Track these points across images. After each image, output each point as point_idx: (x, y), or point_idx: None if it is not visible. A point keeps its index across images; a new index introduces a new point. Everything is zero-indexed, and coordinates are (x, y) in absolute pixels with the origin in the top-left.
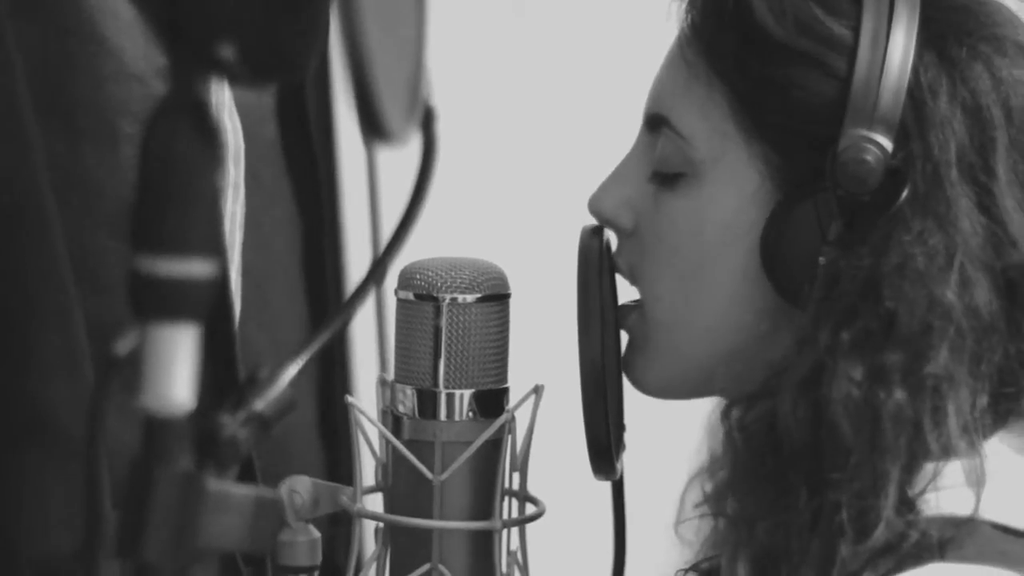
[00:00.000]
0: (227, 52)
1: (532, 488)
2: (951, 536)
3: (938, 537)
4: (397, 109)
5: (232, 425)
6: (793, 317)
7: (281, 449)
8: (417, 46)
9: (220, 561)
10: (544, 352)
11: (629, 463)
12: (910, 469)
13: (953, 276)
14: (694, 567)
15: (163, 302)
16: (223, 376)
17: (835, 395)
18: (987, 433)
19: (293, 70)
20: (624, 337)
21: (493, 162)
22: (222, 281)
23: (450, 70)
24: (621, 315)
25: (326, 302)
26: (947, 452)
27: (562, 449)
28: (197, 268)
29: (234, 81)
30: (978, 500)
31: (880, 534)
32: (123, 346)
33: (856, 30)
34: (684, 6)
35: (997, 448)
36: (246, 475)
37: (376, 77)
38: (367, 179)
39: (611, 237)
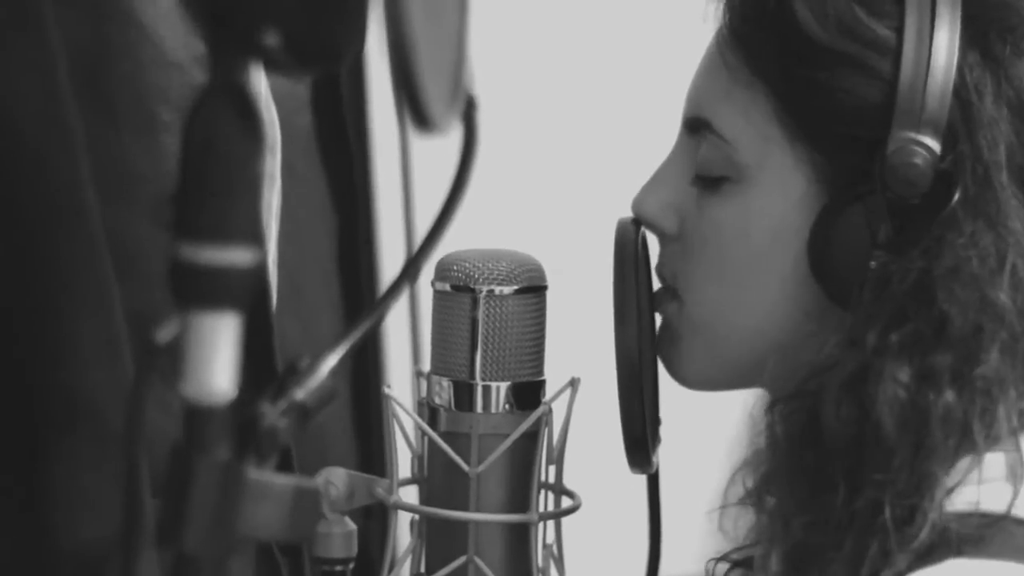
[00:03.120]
0: (271, 39)
1: (568, 481)
2: (973, 532)
3: (960, 533)
4: (440, 98)
5: (272, 415)
6: (839, 319)
7: (316, 441)
8: (460, 35)
9: (257, 552)
10: (581, 345)
11: (664, 456)
12: (957, 470)
13: (1005, 278)
14: (724, 557)
15: (204, 290)
16: (260, 366)
17: (881, 396)
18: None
19: (336, 58)
20: (658, 321)
21: (531, 153)
22: (261, 270)
23: (493, 60)
24: (657, 301)
25: (360, 293)
26: (992, 443)
27: (598, 442)
28: (239, 256)
29: (276, 68)
30: (1014, 496)
31: (926, 535)
32: (163, 335)
33: (899, 31)
34: (722, 7)
35: None
36: (284, 466)
37: (420, 66)
38: (401, 169)
39: (648, 235)
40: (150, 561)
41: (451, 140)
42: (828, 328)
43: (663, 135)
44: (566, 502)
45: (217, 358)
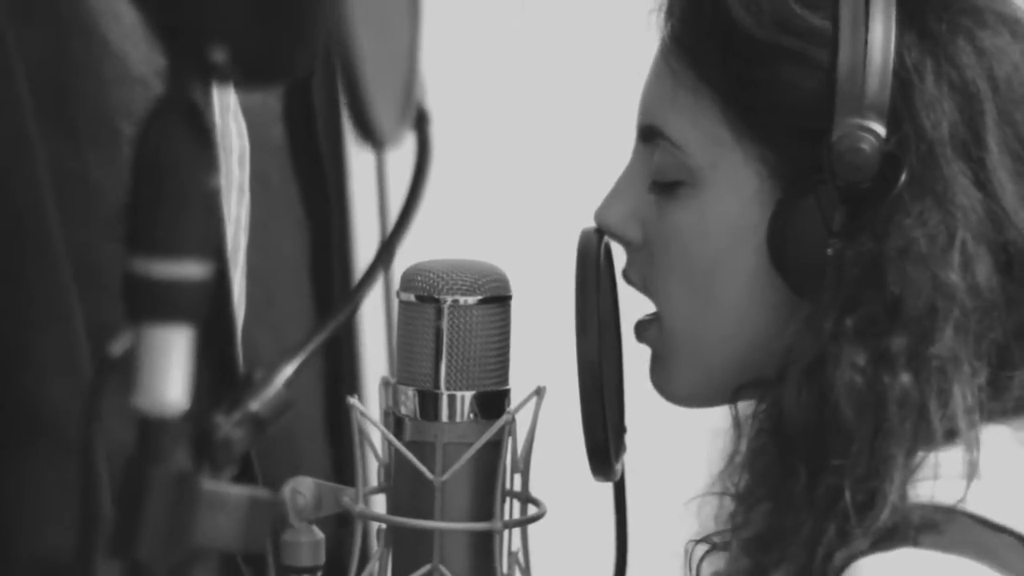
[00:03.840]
0: (219, 55)
1: (534, 489)
2: (929, 523)
3: (916, 523)
4: (389, 112)
5: (227, 426)
6: (805, 309)
7: (288, 450)
8: (411, 50)
9: (220, 561)
10: (548, 354)
11: (634, 464)
12: (912, 453)
13: (955, 255)
14: (705, 539)
15: (157, 303)
16: (224, 377)
17: (839, 381)
18: (987, 415)
19: (285, 73)
20: (647, 351)
21: (499, 165)
22: (221, 282)
23: (454, 70)
24: (640, 330)
25: (333, 304)
26: (951, 435)
27: (565, 451)
28: (191, 270)
29: (227, 84)
30: (966, 491)
31: (887, 517)
32: (118, 347)
33: (835, 19)
34: (663, 15)
35: (998, 437)
36: (246, 476)
37: (366, 81)
38: (376, 181)
39: (614, 246)
40: (106, 571)
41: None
42: (797, 321)
43: (630, 143)
44: (532, 510)
45: (170, 370)
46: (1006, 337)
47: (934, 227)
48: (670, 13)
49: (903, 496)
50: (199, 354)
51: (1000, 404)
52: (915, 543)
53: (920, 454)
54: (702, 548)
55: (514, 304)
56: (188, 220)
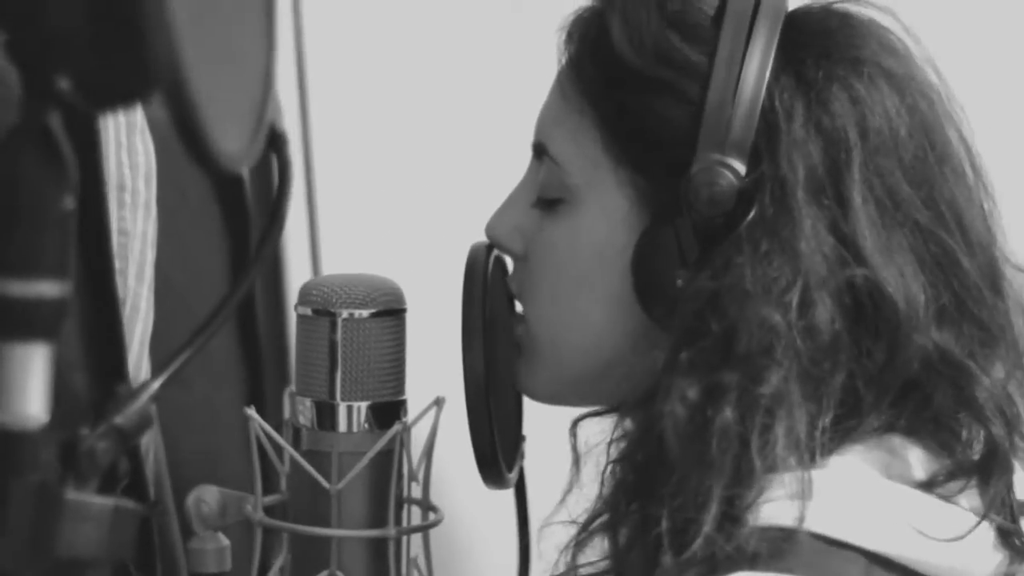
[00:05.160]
0: (63, 82)
1: (441, 497)
2: (766, 546)
3: (753, 548)
4: (236, 134)
5: (91, 438)
6: (663, 338)
7: (210, 461)
8: (265, 73)
9: (112, 570)
10: (450, 365)
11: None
12: (737, 484)
13: (793, 297)
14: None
15: (14, 321)
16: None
17: (666, 411)
18: (828, 451)
19: (127, 97)
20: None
21: (398, 180)
22: (110, 296)
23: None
24: (514, 323)
25: (254, 313)
26: (773, 469)
27: (470, 459)
28: (46, 288)
29: (74, 109)
30: (803, 511)
31: (699, 548)
32: None
33: (712, 55)
34: (565, 37)
35: (846, 461)
36: (136, 487)
37: (201, 105)
38: (305, 188)
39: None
40: None
41: (361, 159)
42: (656, 349)
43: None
44: (432, 517)
45: (29, 385)
46: (854, 380)
47: (775, 268)
48: (569, 37)
49: (736, 523)
50: (86, 368)
51: (851, 439)
52: (752, 565)
53: (754, 481)
54: None
55: (420, 316)
56: (43, 241)
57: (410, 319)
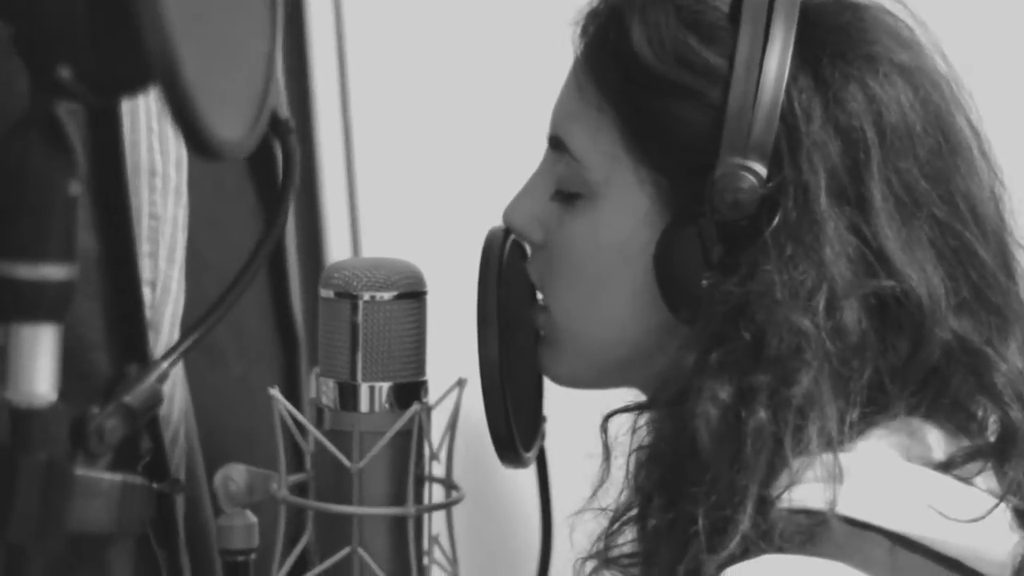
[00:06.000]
0: (64, 73)
1: (465, 476)
2: (798, 530)
3: (784, 531)
4: (235, 122)
5: (99, 417)
6: (684, 333)
7: (246, 440)
8: (266, 60)
9: (135, 544)
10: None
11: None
12: (771, 482)
13: (819, 301)
14: (595, 555)
15: (21, 303)
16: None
17: (698, 412)
18: (852, 436)
19: (129, 87)
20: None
21: (423, 164)
22: (131, 276)
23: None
24: (534, 313)
25: (288, 294)
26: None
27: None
28: (52, 271)
29: (77, 99)
30: (835, 495)
31: (736, 545)
32: None
33: (731, 58)
34: (579, 31)
35: (869, 445)
36: (157, 465)
37: (195, 94)
38: (345, 171)
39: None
40: None
41: (398, 143)
42: (677, 342)
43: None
44: (455, 495)
45: (38, 365)
46: (880, 375)
47: (801, 272)
48: (584, 31)
49: (769, 510)
50: (108, 348)
51: (870, 427)
52: (780, 549)
53: (798, 460)
54: (591, 564)
55: (448, 300)
56: (49, 226)
57: (441, 302)
